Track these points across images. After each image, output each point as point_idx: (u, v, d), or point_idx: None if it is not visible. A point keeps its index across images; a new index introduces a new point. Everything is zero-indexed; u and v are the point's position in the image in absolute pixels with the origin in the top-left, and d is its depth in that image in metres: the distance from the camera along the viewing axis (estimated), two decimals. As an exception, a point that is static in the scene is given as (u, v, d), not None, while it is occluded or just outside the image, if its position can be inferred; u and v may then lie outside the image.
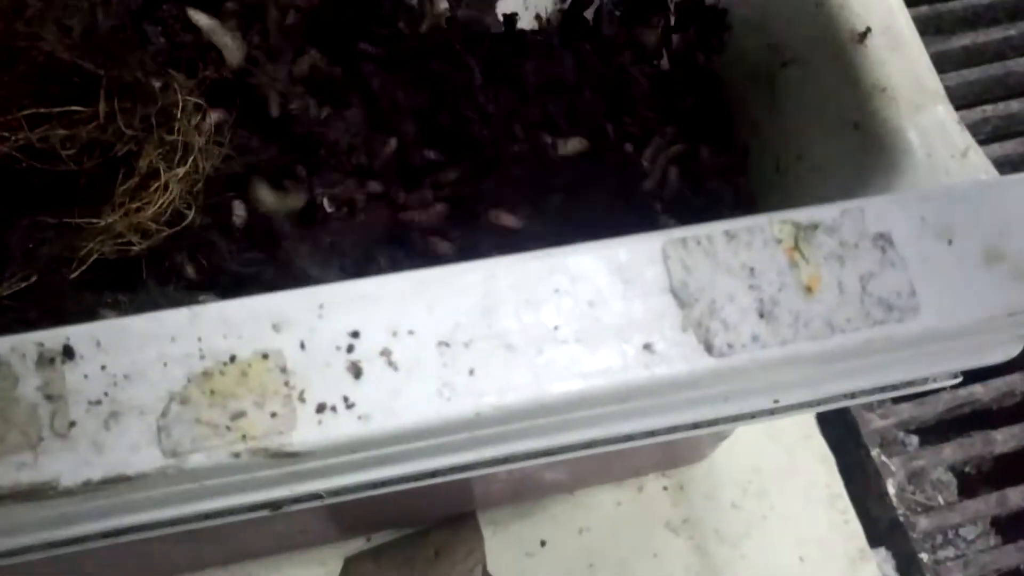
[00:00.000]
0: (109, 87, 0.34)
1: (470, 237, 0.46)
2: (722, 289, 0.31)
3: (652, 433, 0.34)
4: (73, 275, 0.34)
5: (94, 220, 0.33)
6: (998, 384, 0.71)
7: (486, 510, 0.61)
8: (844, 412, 0.69)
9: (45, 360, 0.27)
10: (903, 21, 0.40)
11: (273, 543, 0.57)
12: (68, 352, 0.28)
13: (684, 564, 0.62)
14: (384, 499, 0.34)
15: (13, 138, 0.34)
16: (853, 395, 0.37)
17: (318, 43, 0.47)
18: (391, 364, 0.29)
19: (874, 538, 0.65)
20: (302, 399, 0.28)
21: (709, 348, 0.30)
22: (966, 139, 0.38)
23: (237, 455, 0.27)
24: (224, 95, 0.42)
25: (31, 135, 0.34)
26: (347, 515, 0.54)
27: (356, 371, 0.28)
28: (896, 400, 0.70)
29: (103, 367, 0.28)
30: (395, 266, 0.44)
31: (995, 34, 0.85)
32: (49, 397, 0.27)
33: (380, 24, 0.49)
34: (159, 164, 0.34)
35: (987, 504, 0.67)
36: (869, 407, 0.69)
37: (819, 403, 0.36)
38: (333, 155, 0.44)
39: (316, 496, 0.32)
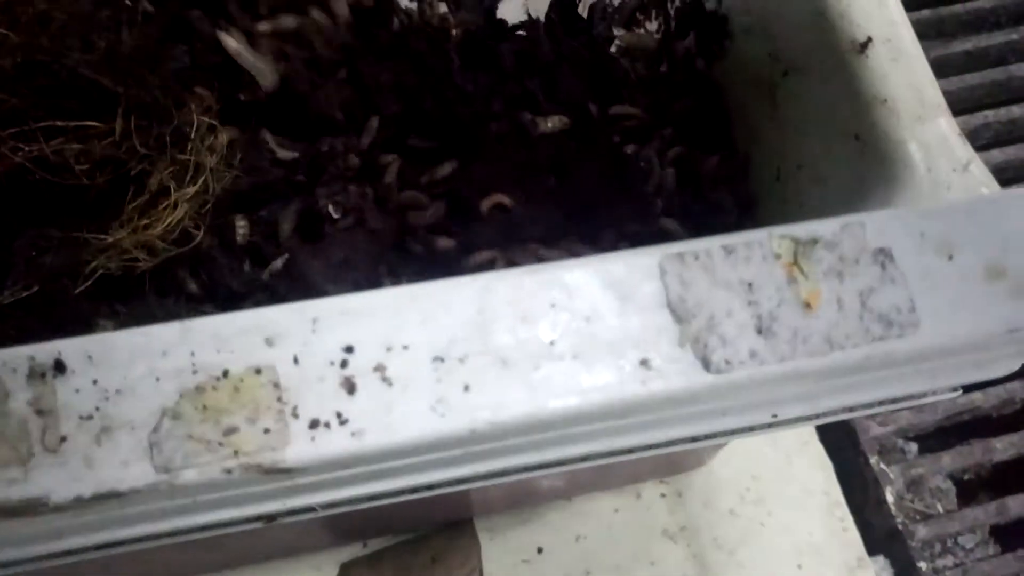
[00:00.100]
0: (127, 105, 0.34)
1: (468, 230, 0.46)
2: (720, 304, 0.31)
3: (649, 447, 0.34)
4: (78, 289, 0.33)
5: (101, 236, 0.33)
6: (998, 392, 0.71)
7: (483, 516, 0.61)
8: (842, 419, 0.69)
9: (36, 374, 0.27)
10: (905, 32, 0.40)
11: (269, 549, 0.57)
12: (59, 366, 0.27)
13: (681, 572, 0.62)
14: (380, 507, 0.34)
15: (28, 149, 0.34)
16: (852, 409, 0.37)
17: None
18: (385, 380, 0.28)
19: (872, 546, 0.65)
20: (295, 415, 0.28)
21: (707, 364, 0.30)
22: (968, 152, 0.38)
23: (229, 471, 0.27)
24: (238, 114, 0.42)
25: (46, 147, 0.34)
26: (343, 522, 0.54)
27: (350, 386, 0.28)
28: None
29: (94, 381, 0.27)
30: (404, 270, 0.44)
31: (997, 38, 0.85)
32: (40, 412, 0.27)
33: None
34: (170, 183, 0.34)
35: (986, 512, 0.67)
36: (868, 414, 0.69)
37: (818, 417, 0.36)
38: (332, 159, 0.44)
39: (310, 509, 0.32)
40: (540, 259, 0.46)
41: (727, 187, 0.50)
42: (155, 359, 0.28)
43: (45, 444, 0.27)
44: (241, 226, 0.39)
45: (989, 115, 0.81)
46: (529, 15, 0.56)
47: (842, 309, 0.32)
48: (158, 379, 0.28)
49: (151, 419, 0.27)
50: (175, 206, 0.34)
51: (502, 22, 0.54)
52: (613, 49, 0.55)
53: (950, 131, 0.38)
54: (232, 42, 0.42)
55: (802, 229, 0.32)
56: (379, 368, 0.28)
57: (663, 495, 0.64)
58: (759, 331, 0.31)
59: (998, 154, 0.80)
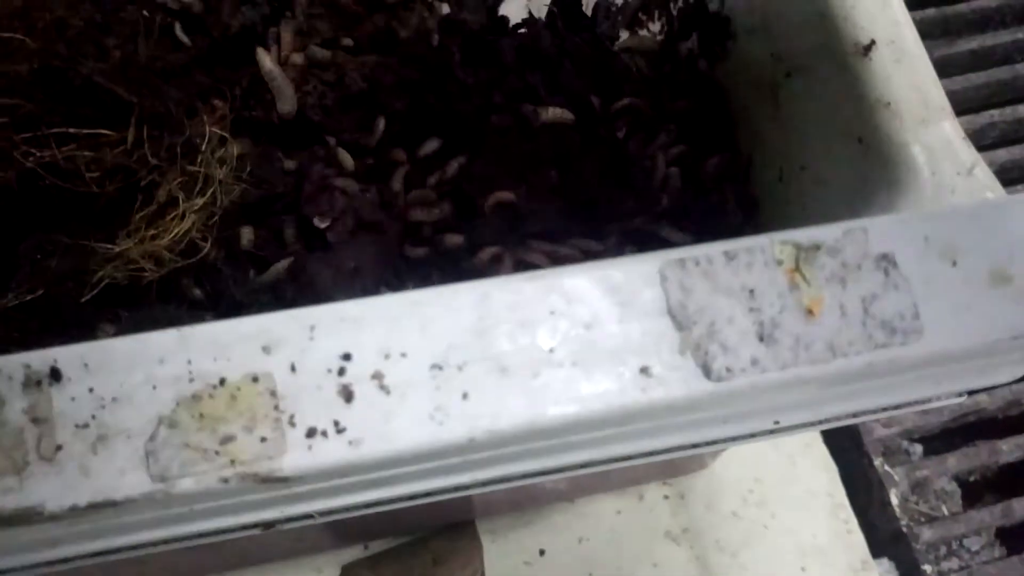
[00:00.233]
0: (140, 115, 0.34)
1: (472, 227, 0.47)
2: (721, 311, 0.30)
3: (648, 454, 0.34)
4: (84, 298, 0.34)
5: (109, 245, 0.33)
6: (1004, 394, 0.71)
7: (485, 518, 0.61)
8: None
9: (32, 382, 0.27)
10: (908, 34, 0.39)
11: (269, 551, 0.57)
12: (55, 374, 0.27)
13: (684, 574, 0.62)
14: (380, 511, 0.34)
15: (39, 154, 0.34)
16: (855, 415, 0.36)
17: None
18: (383, 388, 0.28)
19: (877, 548, 0.64)
20: (292, 423, 0.28)
21: (707, 372, 0.30)
22: (972, 156, 0.37)
23: (226, 480, 0.27)
24: (249, 128, 0.42)
25: (58, 153, 0.34)
26: (343, 525, 0.54)
27: (347, 395, 0.28)
28: (900, 409, 0.69)
29: (91, 389, 0.27)
30: (410, 276, 0.45)
31: (1003, 37, 0.84)
32: (36, 420, 0.27)
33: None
34: (178, 193, 0.34)
35: (992, 515, 0.67)
36: (872, 416, 0.69)
37: (820, 423, 0.36)
38: (310, 169, 0.44)
39: (307, 516, 0.32)
40: (546, 254, 0.46)
41: (730, 187, 0.50)
42: (152, 367, 0.27)
43: (41, 453, 0.27)
44: (247, 232, 0.39)
45: (994, 114, 0.81)
46: (531, 13, 0.56)
47: (845, 316, 0.31)
48: (155, 387, 0.27)
49: (147, 427, 0.27)
50: (183, 217, 0.34)
51: (504, 19, 0.54)
52: (615, 48, 0.55)
53: (954, 134, 0.38)
54: (268, 61, 0.42)
55: (804, 235, 0.32)
56: (377, 376, 0.28)
57: (666, 497, 0.64)
58: (761, 338, 0.30)
59: (1003, 154, 0.80)
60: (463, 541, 0.60)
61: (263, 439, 0.27)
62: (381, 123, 0.47)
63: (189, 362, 0.28)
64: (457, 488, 0.32)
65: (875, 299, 0.31)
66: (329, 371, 0.28)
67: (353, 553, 0.59)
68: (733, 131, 0.51)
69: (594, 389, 0.29)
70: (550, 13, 0.54)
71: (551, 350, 0.29)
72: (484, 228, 0.47)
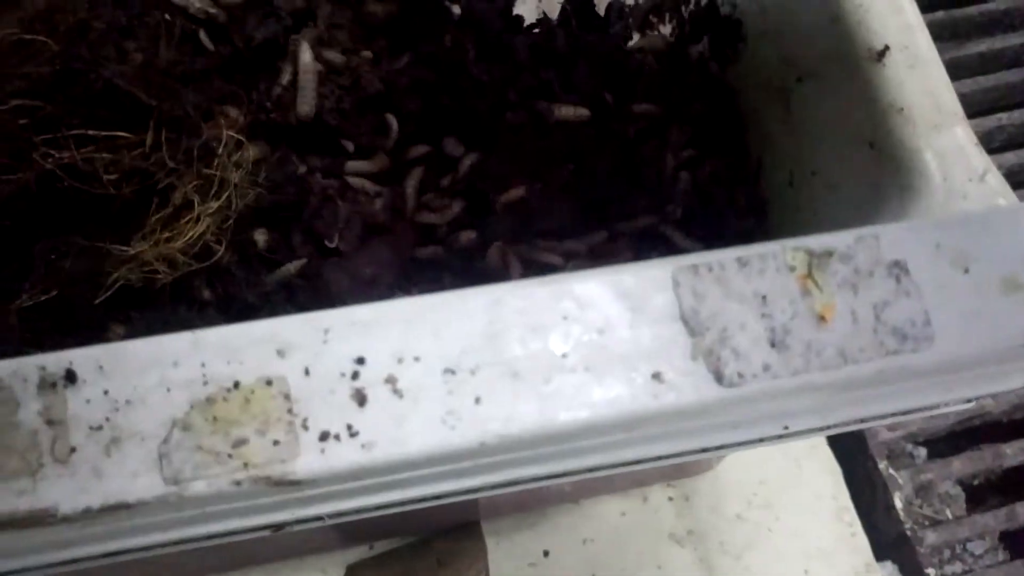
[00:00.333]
0: (159, 118, 0.34)
1: (485, 224, 0.47)
2: (733, 317, 0.30)
3: (657, 459, 0.34)
4: (98, 299, 0.34)
5: (124, 248, 0.34)
6: (1009, 397, 0.71)
7: (490, 519, 0.61)
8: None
9: (47, 384, 0.27)
10: (922, 39, 0.39)
11: (275, 551, 0.57)
12: (70, 376, 0.27)
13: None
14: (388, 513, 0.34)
15: (58, 156, 0.34)
16: (864, 420, 0.36)
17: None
18: (396, 392, 0.28)
19: (881, 552, 0.64)
20: (305, 427, 0.28)
21: (719, 378, 0.30)
22: (984, 162, 0.37)
23: (239, 483, 0.27)
24: (266, 131, 0.42)
25: (76, 155, 0.34)
26: (349, 526, 0.54)
27: (360, 398, 0.28)
28: (905, 412, 0.69)
29: (105, 392, 0.27)
30: (419, 278, 0.45)
31: (1012, 40, 0.84)
32: (50, 422, 0.27)
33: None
34: (194, 197, 0.34)
35: (996, 519, 0.67)
36: (877, 419, 0.69)
37: (829, 428, 0.36)
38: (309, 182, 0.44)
39: (318, 519, 0.32)
40: (560, 253, 0.46)
41: (741, 191, 0.50)
42: (166, 369, 0.27)
43: (55, 455, 0.27)
44: (261, 235, 0.39)
45: (1003, 118, 0.81)
46: (544, 14, 0.56)
47: (856, 322, 0.31)
48: (169, 390, 0.27)
49: (161, 430, 0.27)
50: (198, 220, 0.34)
51: (519, 18, 0.54)
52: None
53: (967, 140, 0.38)
54: (308, 57, 0.42)
55: (816, 241, 0.32)
56: (390, 380, 0.28)
57: (670, 499, 0.64)
58: (772, 344, 0.30)
59: (1012, 157, 0.80)
60: (468, 542, 0.60)
61: (276, 442, 0.27)
62: (393, 121, 0.47)
63: (203, 365, 0.28)
64: (468, 491, 0.32)
65: (887, 306, 0.31)
66: (343, 375, 0.28)
67: (358, 553, 0.59)
68: (743, 134, 0.51)
69: (606, 394, 0.29)
70: (563, 11, 0.54)
71: (563, 355, 0.30)
72: (497, 225, 0.47)
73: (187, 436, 0.27)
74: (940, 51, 0.40)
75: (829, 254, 0.32)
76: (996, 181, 0.37)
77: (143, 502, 0.27)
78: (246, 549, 0.54)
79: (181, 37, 0.39)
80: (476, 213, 0.47)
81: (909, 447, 0.70)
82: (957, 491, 0.70)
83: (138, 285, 0.35)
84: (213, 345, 0.28)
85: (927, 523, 0.67)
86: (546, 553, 0.61)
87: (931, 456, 0.70)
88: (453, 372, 0.29)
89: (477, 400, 0.29)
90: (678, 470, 0.63)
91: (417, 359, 0.29)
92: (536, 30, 0.53)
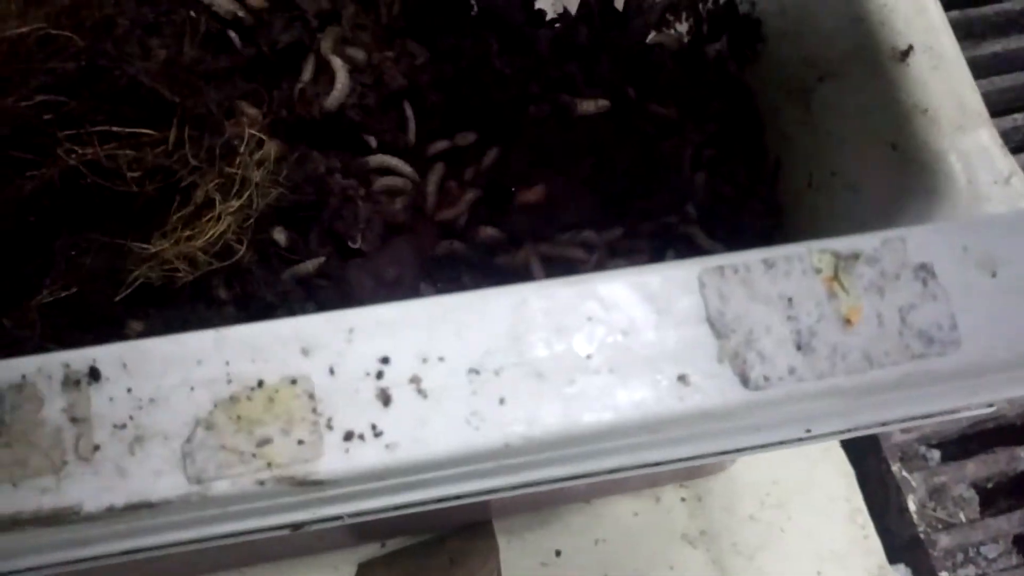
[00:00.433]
0: (182, 115, 0.34)
1: (506, 219, 0.47)
2: (759, 319, 0.30)
3: (678, 461, 0.34)
4: (118, 297, 0.33)
5: (145, 245, 0.33)
6: (1023, 400, 0.70)
7: (502, 518, 0.60)
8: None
9: (71, 382, 0.27)
10: (946, 40, 0.39)
11: (288, 548, 0.57)
12: (94, 374, 0.27)
13: (700, 576, 0.62)
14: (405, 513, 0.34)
15: (81, 152, 0.34)
16: (886, 423, 0.36)
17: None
18: (420, 392, 0.28)
19: (893, 554, 0.64)
20: (329, 426, 0.28)
21: (745, 381, 0.30)
22: (1010, 164, 0.37)
23: (262, 483, 0.27)
24: (287, 130, 0.42)
25: (100, 151, 0.34)
26: (363, 524, 0.54)
27: (385, 398, 0.28)
28: (919, 414, 0.69)
29: (129, 390, 0.27)
30: (439, 276, 0.44)
31: (1027, 41, 0.83)
32: (74, 420, 0.27)
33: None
34: (215, 195, 0.34)
35: (1010, 522, 0.66)
36: (891, 421, 0.68)
37: (851, 431, 0.36)
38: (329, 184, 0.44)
39: (337, 518, 0.32)
40: (578, 243, 0.46)
41: (759, 191, 0.50)
42: (190, 368, 0.27)
43: (78, 452, 0.26)
44: (280, 232, 0.39)
45: (1018, 118, 0.80)
46: (565, 8, 0.56)
47: (882, 325, 0.31)
48: (192, 388, 0.27)
49: (184, 429, 0.27)
50: (219, 219, 0.34)
51: (541, 12, 0.54)
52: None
53: (991, 142, 0.38)
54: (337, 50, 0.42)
55: (843, 243, 0.32)
56: (415, 380, 0.28)
57: (683, 499, 0.64)
58: (798, 347, 0.30)
59: (1027, 158, 0.79)
60: (480, 541, 0.59)
61: (300, 442, 0.27)
62: (409, 111, 0.46)
63: (227, 364, 0.28)
64: (490, 492, 0.32)
65: (913, 309, 0.31)
66: (367, 374, 0.28)
67: (370, 551, 0.59)
68: (761, 134, 0.51)
69: (631, 397, 0.29)
70: (584, 5, 0.54)
71: (588, 356, 0.29)
72: (518, 219, 0.46)
73: (211, 435, 0.27)
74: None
75: (855, 256, 0.31)
76: (1021, 184, 0.37)
77: (166, 501, 0.27)
78: (259, 546, 0.54)
79: (205, 36, 0.38)
80: (496, 207, 0.47)
81: (923, 449, 0.70)
82: (971, 494, 0.69)
83: (158, 283, 0.34)
84: (237, 344, 0.28)
85: (940, 526, 0.67)
86: (558, 553, 0.61)
87: (945, 459, 0.70)
88: (477, 372, 0.29)
89: (501, 401, 0.29)
90: (692, 471, 0.62)
91: (442, 359, 0.29)
92: (557, 24, 0.53)
